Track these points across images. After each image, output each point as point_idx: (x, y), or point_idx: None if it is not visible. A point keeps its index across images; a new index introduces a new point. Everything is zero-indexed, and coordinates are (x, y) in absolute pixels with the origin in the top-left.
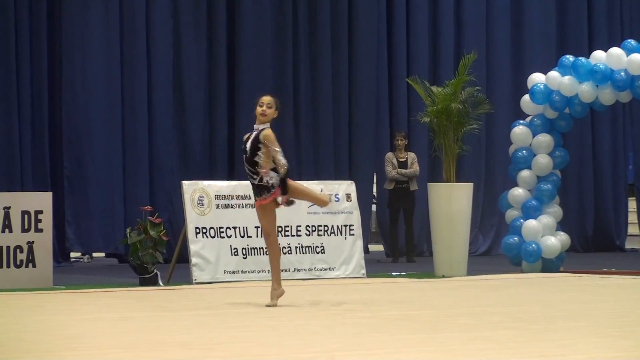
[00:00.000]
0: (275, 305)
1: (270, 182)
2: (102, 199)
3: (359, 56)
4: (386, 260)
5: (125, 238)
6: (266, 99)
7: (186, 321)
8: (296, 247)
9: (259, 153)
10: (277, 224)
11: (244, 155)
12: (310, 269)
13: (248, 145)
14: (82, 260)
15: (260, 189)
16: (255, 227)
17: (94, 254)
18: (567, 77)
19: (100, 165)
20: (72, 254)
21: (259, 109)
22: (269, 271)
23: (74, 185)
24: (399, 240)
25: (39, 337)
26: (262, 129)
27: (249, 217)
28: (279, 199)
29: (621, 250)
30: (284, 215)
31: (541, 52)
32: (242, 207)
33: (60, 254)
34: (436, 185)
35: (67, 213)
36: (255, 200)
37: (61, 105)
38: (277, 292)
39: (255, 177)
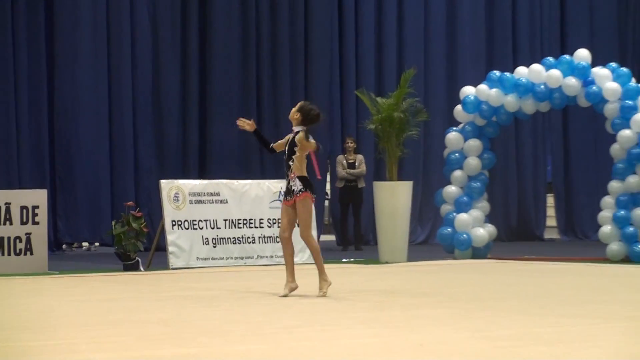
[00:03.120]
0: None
1: (294, 188)
2: (89, 196)
3: (314, 70)
4: (337, 249)
5: (111, 229)
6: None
7: (164, 302)
8: (259, 237)
9: (293, 157)
10: (244, 217)
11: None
12: (271, 256)
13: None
14: (72, 249)
15: (288, 190)
16: (224, 220)
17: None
18: (494, 90)
19: (88, 166)
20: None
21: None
22: (235, 258)
23: (64, 184)
24: (348, 231)
25: (35, 316)
26: (298, 131)
27: (219, 211)
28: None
29: (541, 239)
30: (249, 210)
31: (472, 67)
32: (213, 202)
33: (54, 243)
34: (381, 184)
35: (58, 208)
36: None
37: (54, 114)
38: (291, 285)
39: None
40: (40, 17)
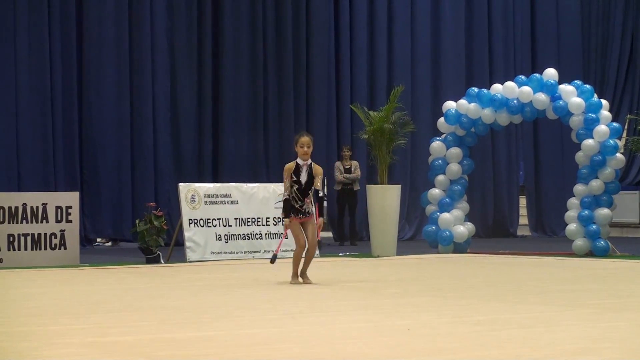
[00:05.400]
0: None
1: (307, 208)
2: (112, 198)
3: (314, 87)
4: (334, 244)
5: (135, 227)
6: (305, 140)
7: (182, 290)
8: (266, 234)
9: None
10: (252, 216)
11: (297, 186)
12: None
13: (304, 178)
14: (103, 244)
15: (299, 211)
16: (235, 218)
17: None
18: (472, 104)
19: (112, 172)
20: (99, 239)
21: (301, 150)
22: (245, 252)
23: (90, 187)
24: (344, 229)
25: (70, 302)
26: (310, 164)
27: (230, 211)
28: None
29: (514, 236)
30: (257, 210)
31: (453, 84)
32: (225, 203)
33: (85, 239)
34: (373, 187)
35: (85, 208)
36: (293, 217)
37: (82, 127)
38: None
39: (300, 202)
40: (72, 43)
